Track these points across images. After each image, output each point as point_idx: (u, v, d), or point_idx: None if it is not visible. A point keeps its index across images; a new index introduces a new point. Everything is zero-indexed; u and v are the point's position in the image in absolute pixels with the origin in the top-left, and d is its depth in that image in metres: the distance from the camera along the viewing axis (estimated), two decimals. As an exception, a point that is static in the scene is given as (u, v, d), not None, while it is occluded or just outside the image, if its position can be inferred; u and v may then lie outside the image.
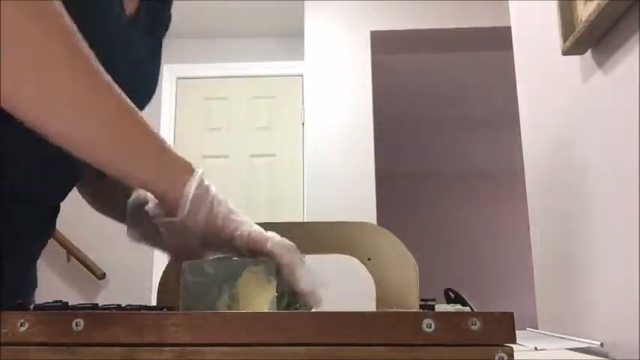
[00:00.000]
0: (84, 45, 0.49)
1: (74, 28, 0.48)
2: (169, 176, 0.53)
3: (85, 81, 0.48)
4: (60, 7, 0.48)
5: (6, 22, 0.44)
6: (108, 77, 0.50)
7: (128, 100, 0.51)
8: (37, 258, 0.80)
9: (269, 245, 0.54)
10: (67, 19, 0.48)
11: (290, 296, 0.55)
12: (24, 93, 0.46)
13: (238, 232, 0.54)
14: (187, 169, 0.54)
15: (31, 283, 0.79)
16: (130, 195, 0.80)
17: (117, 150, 0.51)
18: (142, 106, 0.79)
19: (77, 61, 0.48)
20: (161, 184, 0.53)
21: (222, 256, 0.56)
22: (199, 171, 0.54)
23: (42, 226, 0.76)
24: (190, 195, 0.52)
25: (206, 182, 0.55)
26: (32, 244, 0.76)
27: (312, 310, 0.55)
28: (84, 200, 0.90)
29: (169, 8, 0.86)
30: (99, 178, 0.85)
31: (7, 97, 0.46)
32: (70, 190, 0.80)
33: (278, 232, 0.58)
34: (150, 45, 0.79)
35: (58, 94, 0.47)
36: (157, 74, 0.82)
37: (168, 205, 0.54)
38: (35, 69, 0.46)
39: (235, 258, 0.55)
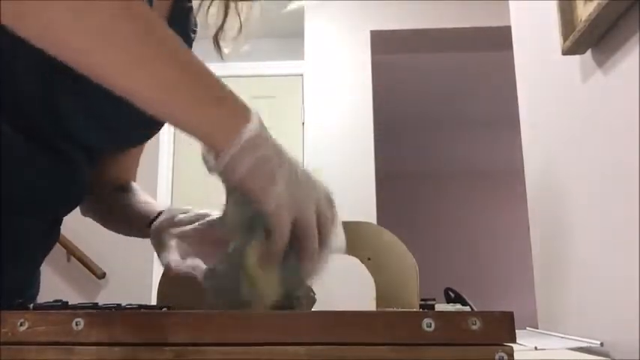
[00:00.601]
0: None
1: None
2: (226, 130, 0.49)
3: (142, 35, 0.47)
4: None
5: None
6: (162, 29, 0.49)
7: (182, 47, 0.50)
8: (39, 265, 0.80)
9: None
10: None
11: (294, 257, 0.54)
12: (95, 56, 0.46)
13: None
14: (238, 125, 0.49)
15: (32, 289, 0.79)
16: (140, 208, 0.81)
17: (171, 101, 0.49)
18: (148, 134, 0.80)
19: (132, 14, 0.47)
20: (217, 138, 0.50)
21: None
22: (248, 129, 0.49)
23: (45, 237, 0.76)
24: (229, 154, 0.49)
25: (262, 138, 0.50)
26: (34, 253, 0.76)
27: (312, 310, 0.55)
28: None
29: (191, 35, 0.85)
30: (110, 193, 0.85)
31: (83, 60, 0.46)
32: (75, 205, 0.79)
33: None
34: None
35: (113, 43, 0.46)
36: None
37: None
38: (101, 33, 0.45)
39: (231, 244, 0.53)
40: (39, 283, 0.82)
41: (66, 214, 0.78)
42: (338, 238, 0.55)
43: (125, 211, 0.83)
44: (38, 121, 0.65)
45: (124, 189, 0.86)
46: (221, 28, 0.81)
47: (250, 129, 0.49)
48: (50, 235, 0.77)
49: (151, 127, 0.79)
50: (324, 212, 0.53)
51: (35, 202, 0.70)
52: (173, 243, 0.68)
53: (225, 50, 0.83)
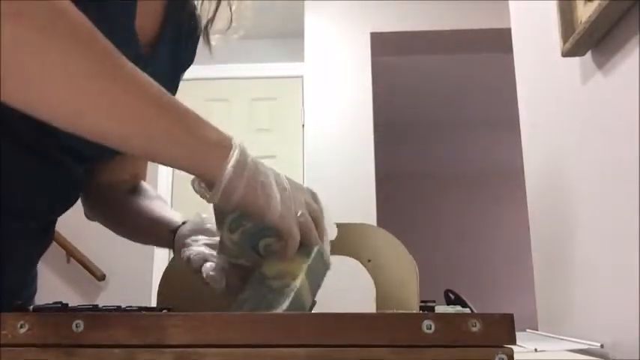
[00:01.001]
0: (100, 43, 0.47)
1: (86, 27, 0.46)
2: (205, 162, 0.51)
3: (104, 80, 0.47)
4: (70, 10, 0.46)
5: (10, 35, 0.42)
6: (129, 70, 0.49)
7: (152, 85, 0.50)
8: (35, 264, 0.79)
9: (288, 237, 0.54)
10: (79, 19, 0.46)
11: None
12: (54, 102, 0.46)
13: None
14: (223, 151, 0.52)
15: (30, 289, 0.79)
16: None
17: (148, 144, 0.50)
18: None
19: (96, 62, 0.47)
20: (197, 170, 0.52)
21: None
22: (234, 153, 0.52)
23: (40, 237, 0.76)
24: (224, 181, 0.51)
25: (248, 159, 0.53)
26: (30, 254, 0.75)
27: (312, 312, 0.55)
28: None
29: (193, 48, 0.84)
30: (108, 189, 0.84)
31: (44, 109, 0.46)
32: (69, 206, 0.79)
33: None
34: (168, 76, 0.77)
35: (79, 98, 0.46)
36: None
37: (209, 184, 0.53)
38: (61, 81, 0.45)
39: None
40: (36, 282, 0.81)
41: (60, 215, 0.78)
42: (330, 226, 0.61)
43: (140, 219, 0.81)
44: (33, 135, 0.65)
45: (136, 191, 0.85)
46: (211, 20, 0.80)
47: (236, 152, 0.52)
48: (45, 235, 0.77)
49: None
50: (314, 207, 0.59)
51: (28, 206, 0.69)
52: (202, 248, 0.68)
53: (213, 43, 0.82)
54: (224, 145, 0.52)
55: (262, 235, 0.56)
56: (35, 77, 0.44)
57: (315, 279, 0.56)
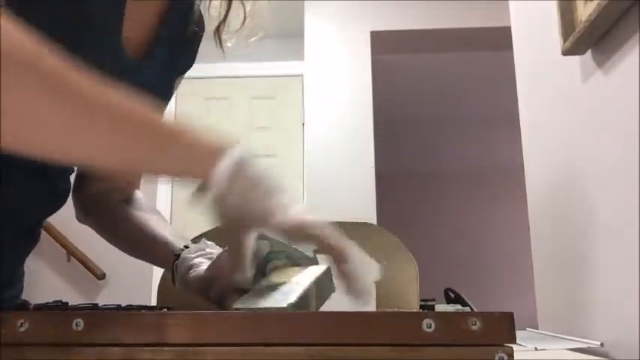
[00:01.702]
0: (66, 70, 0.44)
1: (42, 53, 0.43)
2: (195, 170, 0.49)
3: (76, 113, 0.44)
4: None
5: None
6: (101, 93, 0.46)
7: (129, 104, 0.48)
8: (21, 264, 0.79)
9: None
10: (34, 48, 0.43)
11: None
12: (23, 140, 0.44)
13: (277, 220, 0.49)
14: (213, 157, 0.48)
15: (15, 288, 0.79)
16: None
17: (137, 161, 0.49)
18: None
19: (63, 95, 0.44)
20: (189, 176, 0.49)
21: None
22: (229, 154, 0.49)
23: (27, 238, 0.76)
24: (216, 179, 0.48)
25: (241, 161, 0.49)
26: (16, 254, 0.75)
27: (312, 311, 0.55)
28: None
29: (193, 51, 0.82)
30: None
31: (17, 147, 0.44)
32: (55, 210, 0.78)
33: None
34: (161, 83, 0.76)
35: (50, 133, 0.44)
36: (163, 111, 0.78)
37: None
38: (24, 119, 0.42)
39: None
40: (22, 283, 0.81)
41: (46, 218, 0.78)
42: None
43: (138, 234, 0.79)
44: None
45: (131, 202, 0.84)
46: (224, 20, 0.78)
47: (231, 154, 0.49)
48: (32, 236, 0.77)
49: None
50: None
51: (16, 212, 0.69)
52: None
53: (228, 44, 0.80)
54: (217, 148, 0.49)
55: (269, 259, 0.56)
56: (10, 129, 0.42)
57: (321, 294, 0.54)
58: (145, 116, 0.48)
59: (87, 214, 0.85)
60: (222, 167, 0.48)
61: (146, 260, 0.79)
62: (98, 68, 0.59)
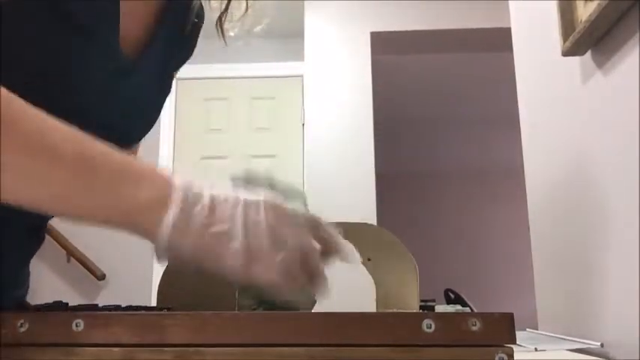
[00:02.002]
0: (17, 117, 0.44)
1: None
2: (142, 224, 0.45)
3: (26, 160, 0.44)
4: None
5: None
6: (54, 140, 0.45)
7: (83, 150, 0.46)
8: (26, 264, 0.79)
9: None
10: None
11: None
12: None
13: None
14: (160, 207, 0.45)
15: (20, 289, 0.79)
16: None
17: (83, 211, 0.47)
18: (139, 136, 0.77)
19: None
20: (138, 231, 0.46)
21: None
22: (173, 207, 0.45)
23: (31, 238, 0.76)
24: (162, 241, 0.45)
25: (195, 208, 0.45)
26: (20, 254, 0.75)
27: (312, 311, 0.55)
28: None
29: (192, 45, 0.82)
30: None
31: None
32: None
33: None
34: (158, 80, 0.76)
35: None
36: (161, 105, 0.79)
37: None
38: None
39: None
40: (28, 283, 0.81)
41: (50, 218, 0.78)
42: (347, 250, 0.51)
43: None
44: None
45: None
46: (226, 9, 0.77)
47: (174, 207, 0.45)
48: (36, 236, 0.77)
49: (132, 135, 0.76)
50: (306, 244, 0.47)
51: (17, 212, 0.69)
52: None
53: (231, 33, 0.78)
54: (160, 199, 0.45)
55: None
56: None
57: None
58: (100, 167, 0.46)
59: None
60: (171, 218, 0.44)
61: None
62: (95, 73, 0.59)
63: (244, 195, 0.47)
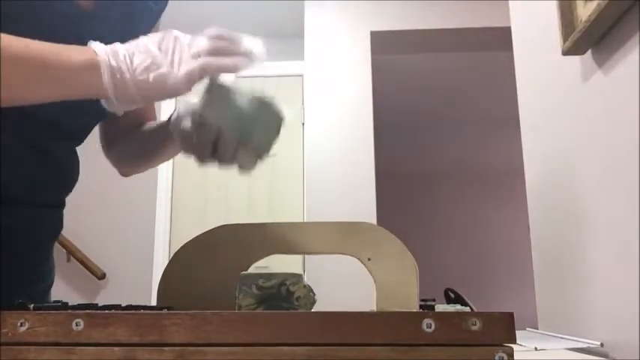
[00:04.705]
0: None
1: None
2: (85, 83, 0.58)
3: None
4: None
5: None
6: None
7: (23, 46, 0.57)
8: (43, 254, 0.80)
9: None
10: None
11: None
12: None
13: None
14: (92, 63, 0.57)
15: (43, 282, 0.80)
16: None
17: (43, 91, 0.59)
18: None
19: None
20: (87, 91, 0.58)
21: None
22: (104, 68, 0.57)
23: (40, 225, 0.77)
24: (111, 98, 0.58)
25: (120, 64, 0.57)
26: (30, 242, 0.76)
27: (312, 310, 0.55)
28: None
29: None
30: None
31: None
32: (69, 191, 0.81)
33: (279, 233, 0.58)
34: (124, 24, 0.78)
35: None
36: None
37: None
38: None
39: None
40: (53, 276, 0.82)
41: (57, 200, 0.79)
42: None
43: (148, 134, 0.86)
44: (18, 121, 0.68)
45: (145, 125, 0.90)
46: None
47: (104, 67, 0.57)
48: (45, 222, 0.78)
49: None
50: (202, 44, 0.61)
51: (16, 192, 0.71)
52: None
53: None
54: (92, 63, 0.57)
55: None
56: None
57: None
58: (33, 49, 0.57)
59: (110, 146, 0.91)
60: (107, 78, 0.57)
61: (160, 148, 0.83)
62: (53, 18, 0.67)
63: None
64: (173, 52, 0.59)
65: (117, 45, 0.59)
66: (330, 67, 3.00)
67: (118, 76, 0.56)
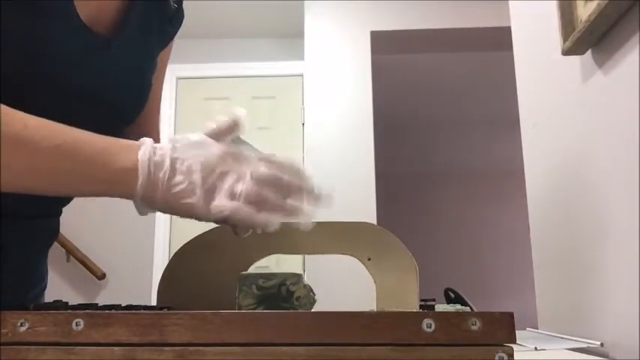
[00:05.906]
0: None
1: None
2: (120, 188, 0.55)
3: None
4: None
5: None
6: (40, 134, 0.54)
7: (61, 135, 0.55)
8: (37, 261, 0.79)
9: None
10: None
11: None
12: None
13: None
14: (132, 171, 0.55)
15: (34, 289, 0.79)
16: None
17: (72, 188, 0.57)
18: (130, 113, 0.77)
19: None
20: (119, 194, 0.56)
21: None
22: (140, 170, 0.55)
23: (38, 233, 0.76)
24: (137, 198, 0.55)
25: (160, 172, 0.55)
26: (26, 250, 0.76)
27: (312, 310, 0.55)
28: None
29: (174, 19, 0.84)
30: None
31: None
32: (69, 201, 0.80)
33: (279, 233, 0.58)
34: (138, 55, 0.77)
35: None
36: (146, 81, 0.79)
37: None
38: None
39: None
40: (45, 282, 0.82)
41: (55, 210, 0.79)
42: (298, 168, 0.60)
43: None
44: None
45: None
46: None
47: (140, 172, 0.55)
48: (43, 231, 0.77)
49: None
50: (261, 172, 0.57)
51: (15, 201, 0.70)
52: None
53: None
54: (130, 166, 0.55)
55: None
56: None
57: None
58: (75, 146, 0.55)
59: None
60: (140, 180, 0.54)
61: None
62: (64, 50, 0.62)
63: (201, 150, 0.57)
64: (214, 184, 0.56)
65: (165, 149, 0.56)
66: (330, 67, 3.00)
67: (150, 189, 0.55)
